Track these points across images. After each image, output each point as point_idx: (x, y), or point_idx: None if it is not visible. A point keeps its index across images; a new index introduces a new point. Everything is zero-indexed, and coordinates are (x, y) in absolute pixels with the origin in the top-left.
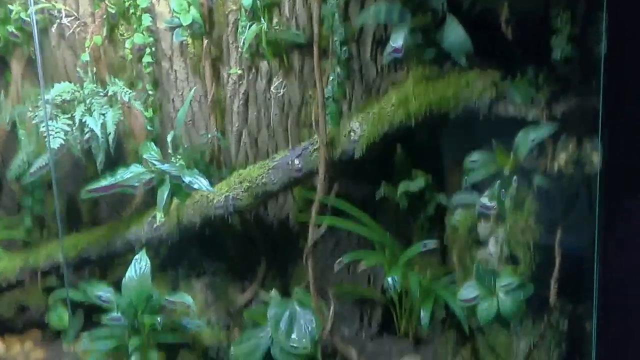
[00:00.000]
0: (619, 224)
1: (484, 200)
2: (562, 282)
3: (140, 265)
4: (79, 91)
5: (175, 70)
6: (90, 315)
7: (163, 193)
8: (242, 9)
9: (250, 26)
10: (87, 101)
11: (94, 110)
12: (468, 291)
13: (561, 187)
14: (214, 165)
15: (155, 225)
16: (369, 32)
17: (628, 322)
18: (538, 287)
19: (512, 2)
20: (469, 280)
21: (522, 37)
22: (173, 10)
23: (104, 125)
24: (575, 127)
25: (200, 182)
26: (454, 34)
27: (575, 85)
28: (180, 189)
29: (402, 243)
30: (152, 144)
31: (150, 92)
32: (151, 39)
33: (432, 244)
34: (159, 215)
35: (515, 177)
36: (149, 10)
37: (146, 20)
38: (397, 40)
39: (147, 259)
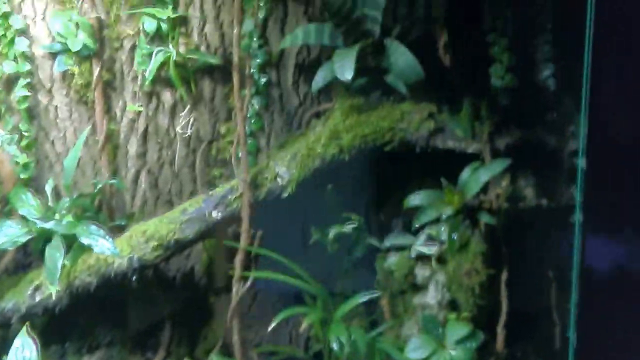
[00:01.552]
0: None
1: (422, 242)
2: (510, 328)
3: (22, 356)
4: None
5: (56, 106)
6: None
7: (55, 260)
8: (142, 35)
9: (157, 53)
10: None
11: None
12: (417, 351)
13: (505, 225)
14: (104, 213)
15: (37, 292)
16: (290, 57)
17: None
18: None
19: (451, 27)
20: (410, 333)
21: (462, 65)
22: (57, 33)
23: None
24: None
25: (102, 245)
26: (403, 59)
27: (519, 116)
28: (74, 251)
29: (333, 293)
30: (29, 195)
31: (24, 132)
32: (28, 67)
33: (373, 293)
34: (53, 288)
35: (462, 217)
36: (24, 32)
37: (22, 44)
38: (345, 69)
39: (33, 344)
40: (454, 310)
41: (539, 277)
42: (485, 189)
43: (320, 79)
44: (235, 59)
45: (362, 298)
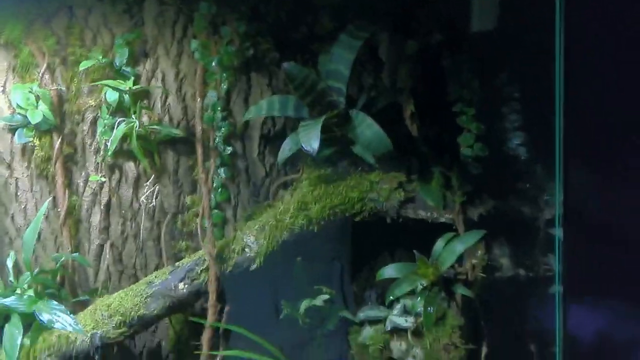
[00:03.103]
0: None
1: (397, 315)
2: None
3: None
4: None
5: (16, 178)
6: None
7: (14, 339)
8: (104, 106)
9: (119, 124)
10: None
11: None
12: None
13: (482, 297)
14: (66, 289)
15: None
16: (255, 128)
17: None
18: None
19: (417, 97)
20: None
21: (430, 134)
22: (17, 105)
23: None
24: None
25: (64, 321)
26: (370, 131)
27: (491, 185)
28: (33, 329)
29: None
30: None
31: None
32: None
33: None
34: None
35: (437, 289)
36: None
37: None
38: (311, 141)
39: None
40: None
41: (521, 351)
42: (460, 259)
43: (286, 150)
44: (199, 131)
45: None
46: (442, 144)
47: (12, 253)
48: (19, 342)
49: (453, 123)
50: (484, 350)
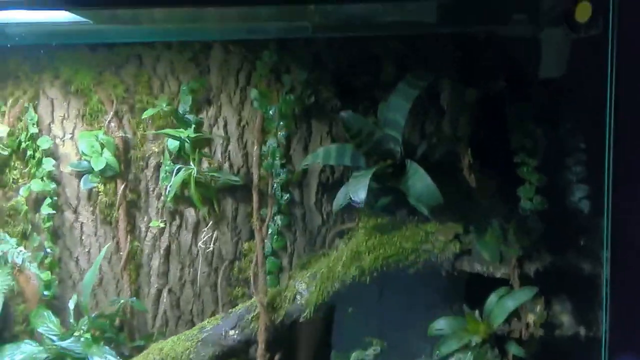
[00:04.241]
0: None
1: None
2: None
3: None
4: None
5: (82, 223)
6: None
7: None
8: (167, 152)
9: (177, 171)
10: None
11: None
12: None
13: (535, 356)
14: (125, 333)
15: None
16: (314, 176)
17: None
18: None
19: (476, 147)
20: None
21: (488, 186)
22: (82, 152)
23: None
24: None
25: None
26: (421, 183)
27: (550, 240)
28: None
29: None
30: (49, 313)
31: (48, 249)
32: (53, 185)
33: None
34: None
35: (488, 347)
36: (52, 152)
37: (48, 164)
38: (359, 191)
39: None
40: None
41: None
42: (516, 314)
43: (340, 199)
44: (255, 178)
45: None
46: (501, 195)
47: (74, 296)
48: None
49: (513, 174)
50: None
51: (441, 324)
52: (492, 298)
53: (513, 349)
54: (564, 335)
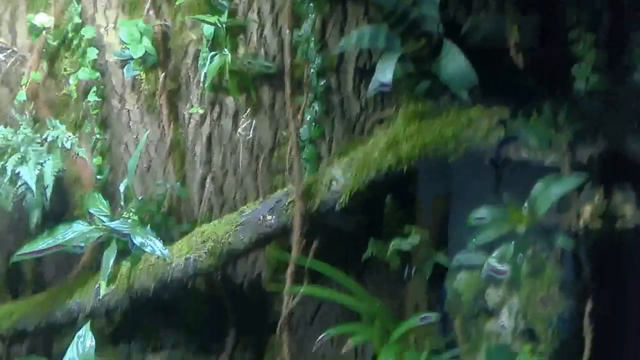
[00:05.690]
0: None
1: (493, 262)
2: None
3: (83, 345)
4: (13, 136)
5: (128, 110)
6: None
7: (108, 259)
8: (204, 39)
9: (212, 57)
10: (22, 149)
11: (30, 160)
12: None
13: (589, 248)
14: (173, 218)
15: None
16: (350, 61)
17: None
18: None
19: (523, 23)
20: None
21: (537, 66)
22: (123, 41)
23: (40, 177)
24: (603, 174)
25: (154, 245)
26: (454, 64)
27: (604, 124)
28: (132, 252)
29: (394, 312)
30: (100, 195)
31: (98, 136)
32: (98, 74)
33: (432, 317)
34: (103, 285)
35: (532, 238)
36: (96, 41)
37: (92, 53)
38: (385, 72)
39: (92, 336)
40: (531, 341)
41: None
42: (563, 205)
43: (374, 83)
44: (288, 64)
45: (420, 322)
46: (553, 75)
47: (125, 180)
48: (111, 262)
49: (568, 52)
50: (588, 307)
51: (482, 213)
52: (538, 186)
53: (561, 241)
54: (626, 228)
